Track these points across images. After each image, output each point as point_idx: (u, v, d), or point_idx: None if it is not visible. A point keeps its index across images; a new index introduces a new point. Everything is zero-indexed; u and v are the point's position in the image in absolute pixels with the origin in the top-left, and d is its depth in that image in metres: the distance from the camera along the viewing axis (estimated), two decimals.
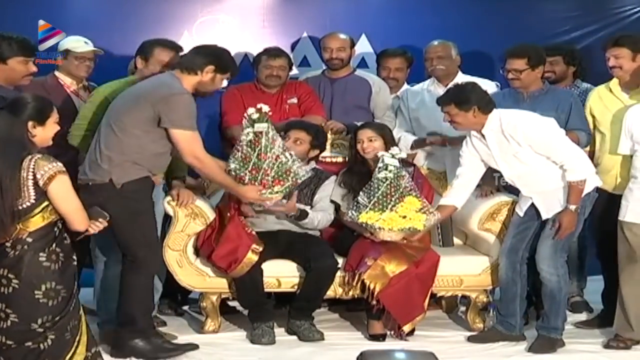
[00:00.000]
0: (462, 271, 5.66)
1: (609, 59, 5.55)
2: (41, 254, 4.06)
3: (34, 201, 4.02)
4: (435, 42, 6.18)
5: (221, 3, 7.08)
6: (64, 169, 4.07)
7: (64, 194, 4.06)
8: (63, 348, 4.14)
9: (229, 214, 5.46)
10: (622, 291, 5.34)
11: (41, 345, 4.09)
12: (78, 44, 5.81)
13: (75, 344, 4.18)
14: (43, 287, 4.07)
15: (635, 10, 7.26)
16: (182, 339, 5.39)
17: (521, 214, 5.39)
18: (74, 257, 4.22)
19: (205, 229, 5.52)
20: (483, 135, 5.31)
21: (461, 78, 6.07)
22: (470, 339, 5.52)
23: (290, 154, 5.28)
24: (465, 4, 7.11)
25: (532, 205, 5.35)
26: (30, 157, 4.02)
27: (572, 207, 5.23)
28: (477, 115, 5.25)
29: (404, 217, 5.35)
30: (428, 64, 6.15)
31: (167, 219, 5.62)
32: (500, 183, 5.83)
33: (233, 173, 5.22)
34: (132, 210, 4.94)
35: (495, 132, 5.28)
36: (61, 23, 6.30)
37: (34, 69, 4.95)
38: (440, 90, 6.01)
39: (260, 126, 5.22)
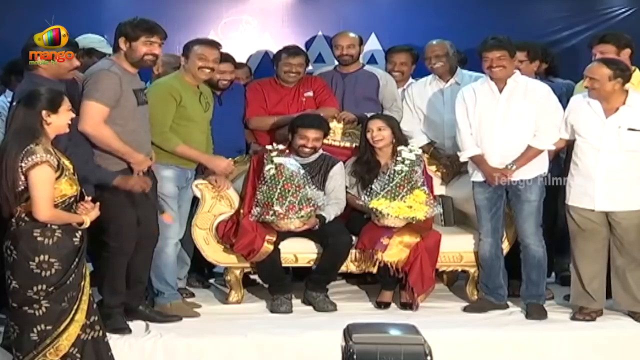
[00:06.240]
0: (461, 248, 5.74)
1: (595, 54, 5.61)
2: (36, 230, 4.13)
3: (25, 185, 4.11)
4: (434, 42, 6.21)
5: (244, 5, 7.17)
6: (49, 161, 4.10)
7: (36, 182, 4.08)
8: (59, 315, 4.19)
9: (242, 211, 5.58)
10: (579, 268, 5.43)
11: (36, 312, 4.16)
12: (101, 44, 5.87)
13: (73, 312, 4.23)
14: (37, 259, 4.14)
15: (621, 10, 7.30)
16: (209, 309, 5.51)
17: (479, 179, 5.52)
18: (77, 236, 4.24)
19: (227, 222, 5.61)
20: (504, 85, 5.40)
21: (460, 73, 6.19)
22: (465, 309, 5.62)
23: (311, 187, 5.49)
24: (465, 6, 7.14)
25: (494, 188, 5.46)
26: (32, 145, 4.10)
27: (514, 167, 5.39)
28: (514, 66, 5.45)
29: (410, 207, 5.47)
30: (427, 62, 6.21)
31: (195, 201, 5.71)
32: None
33: (261, 202, 5.42)
34: (106, 202, 4.75)
35: (519, 85, 5.42)
36: (95, 24, 6.37)
37: (78, 63, 4.88)
38: (441, 85, 6.20)
39: (282, 159, 5.44)
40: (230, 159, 5.85)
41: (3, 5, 6.80)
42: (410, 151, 5.55)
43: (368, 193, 5.53)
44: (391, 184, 5.45)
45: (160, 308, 5.34)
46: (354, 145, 5.96)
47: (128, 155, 4.94)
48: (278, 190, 5.37)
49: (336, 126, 6.00)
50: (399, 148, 5.59)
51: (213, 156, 5.59)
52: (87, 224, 4.25)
